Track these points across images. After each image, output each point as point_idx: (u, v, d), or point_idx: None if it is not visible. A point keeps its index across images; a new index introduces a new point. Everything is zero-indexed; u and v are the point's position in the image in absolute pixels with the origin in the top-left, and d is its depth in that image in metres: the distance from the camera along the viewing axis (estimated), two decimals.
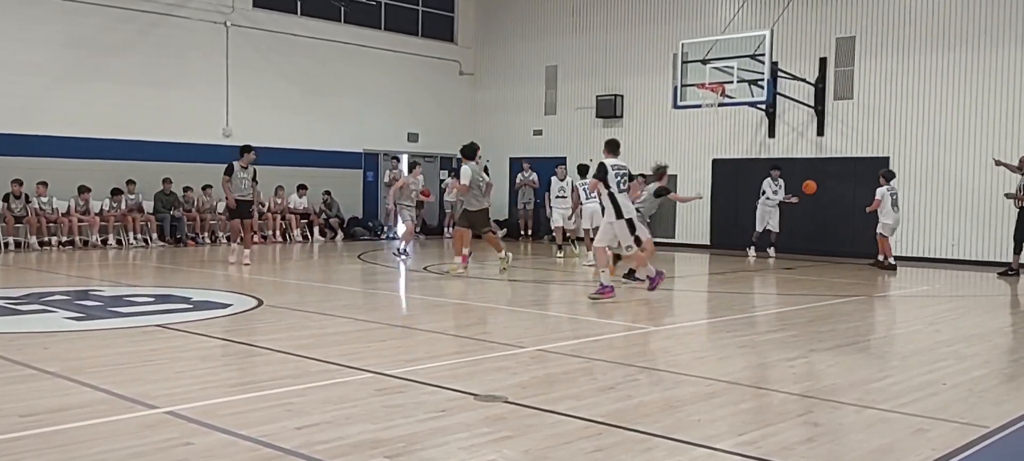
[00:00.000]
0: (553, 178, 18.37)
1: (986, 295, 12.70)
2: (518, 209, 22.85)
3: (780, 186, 18.14)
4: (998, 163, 15.42)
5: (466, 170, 13.08)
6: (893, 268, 15.40)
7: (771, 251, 18.19)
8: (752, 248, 18.17)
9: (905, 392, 5.88)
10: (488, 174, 14.92)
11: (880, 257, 15.63)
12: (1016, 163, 15.16)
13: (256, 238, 19.92)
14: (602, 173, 10.45)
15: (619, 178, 10.56)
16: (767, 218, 18.11)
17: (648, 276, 10.83)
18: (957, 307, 11.25)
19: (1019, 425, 5.15)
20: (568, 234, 17.59)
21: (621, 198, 10.45)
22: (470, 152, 13.30)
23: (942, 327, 9.27)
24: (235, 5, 20.56)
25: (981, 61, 17.04)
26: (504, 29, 24.62)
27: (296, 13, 21.77)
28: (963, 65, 17.25)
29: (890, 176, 15.65)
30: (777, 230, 18.18)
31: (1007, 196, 15.39)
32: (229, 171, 14.32)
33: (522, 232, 22.56)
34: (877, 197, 15.50)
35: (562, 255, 16.89)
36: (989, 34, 16.95)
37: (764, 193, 18.15)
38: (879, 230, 15.65)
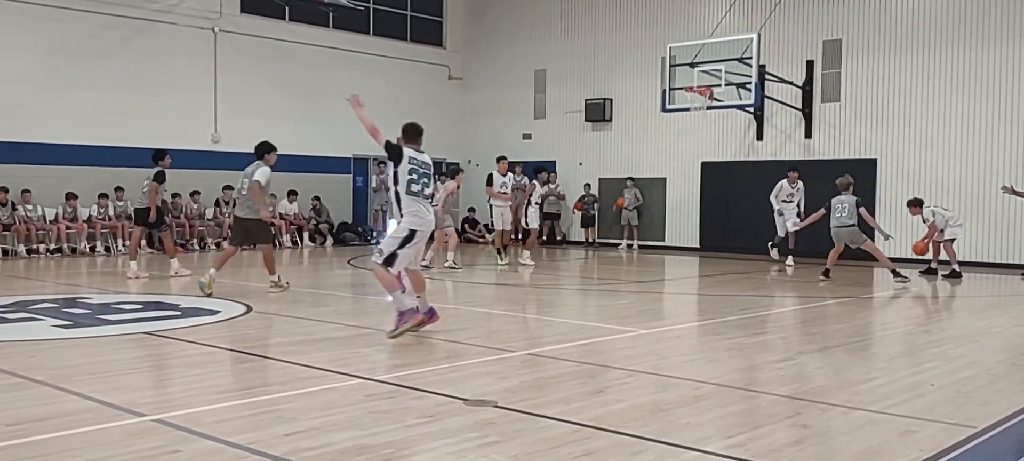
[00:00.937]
0: (494, 174, 16.21)
1: (972, 295, 12.77)
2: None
3: (798, 189, 16.69)
4: (1006, 190, 15.33)
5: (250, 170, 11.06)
6: (958, 275, 14.57)
7: (789, 258, 16.79)
8: (775, 249, 16.97)
9: (893, 393, 5.90)
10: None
11: (954, 266, 14.67)
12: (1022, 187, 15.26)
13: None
14: (395, 155, 7.85)
15: (416, 175, 7.92)
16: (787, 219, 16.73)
17: (399, 310, 7.78)
18: (943, 308, 11.30)
19: (1006, 425, 5.17)
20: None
21: (408, 200, 7.86)
22: (259, 150, 11.47)
23: (929, 328, 9.31)
24: (222, 11, 20.52)
25: (966, 61, 17.15)
26: (493, 33, 24.65)
27: (284, 18, 21.73)
28: (949, 66, 17.37)
29: (919, 202, 14.98)
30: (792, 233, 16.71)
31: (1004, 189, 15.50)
32: (162, 177, 13.34)
33: (513, 236, 22.54)
34: (927, 220, 14.73)
35: (505, 261, 15.66)
36: (974, 34, 17.06)
37: (778, 195, 16.82)
38: (948, 237, 14.77)
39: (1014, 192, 15.26)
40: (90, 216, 18.10)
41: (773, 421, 5.20)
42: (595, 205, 22.28)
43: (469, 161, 24.43)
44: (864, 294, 12.64)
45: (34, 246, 17.21)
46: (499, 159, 16.15)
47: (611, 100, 22.18)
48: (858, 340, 8.56)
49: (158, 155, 13.49)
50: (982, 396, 5.93)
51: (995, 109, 16.89)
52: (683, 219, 21.05)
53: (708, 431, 4.94)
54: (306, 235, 21.18)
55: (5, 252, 16.84)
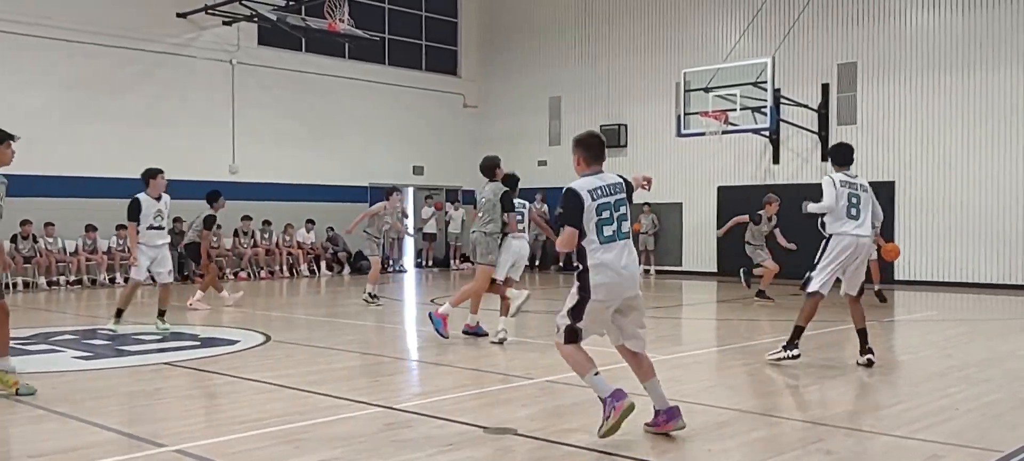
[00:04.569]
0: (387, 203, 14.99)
1: (994, 318, 12.64)
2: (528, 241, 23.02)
3: None
4: None
5: None
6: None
7: None
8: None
9: (918, 418, 5.84)
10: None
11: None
12: None
13: (263, 273, 19.94)
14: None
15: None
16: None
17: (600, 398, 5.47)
18: (966, 331, 11.19)
19: None
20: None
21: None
22: None
23: (952, 351, 9.21)
24: (240, 43, 20.73)
25: (980, 82, 17.10)
26: (507, 61, 24.76)
27: (301, 50, 21.92)
28: (963, 87, 17.31)
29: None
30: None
31: None
32: (212, 221, 13.44)
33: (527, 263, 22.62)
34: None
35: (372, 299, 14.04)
36: (987, 55, 17.02)
37: None
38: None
39: None
40: (110, 247, 18.22)
41: (798, 447, 5.15)
42: None
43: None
44: (885, 318, 12.53)
45: (54, 278, 17.33)
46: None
47: (626, 125, 22.20)
48: (879, 364, 8.47)
49: (212, 197, 13.58)
50: (1010, 420, 5.86)
51: (1012, 131, 16.79)
52: (700, 244, 20.97)
53: (732, 458, 4.90)
54: (323, 264, 21.23)
55: (27, 284, 16.96)
